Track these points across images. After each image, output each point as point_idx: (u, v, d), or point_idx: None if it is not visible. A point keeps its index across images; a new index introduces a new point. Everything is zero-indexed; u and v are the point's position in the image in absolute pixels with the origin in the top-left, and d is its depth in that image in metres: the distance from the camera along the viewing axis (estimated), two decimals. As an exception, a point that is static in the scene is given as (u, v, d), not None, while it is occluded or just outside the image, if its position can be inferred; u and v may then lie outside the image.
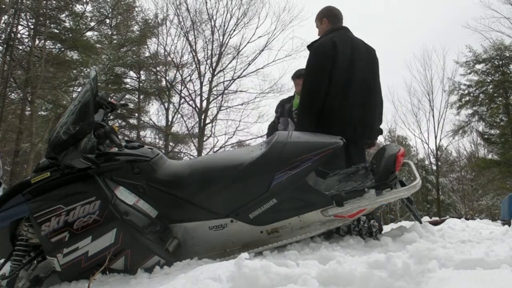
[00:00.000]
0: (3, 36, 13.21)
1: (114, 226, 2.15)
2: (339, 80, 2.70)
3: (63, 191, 2.20)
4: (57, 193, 2.20)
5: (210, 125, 18.80)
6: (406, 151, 16.50)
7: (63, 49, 14.87)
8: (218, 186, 2.25)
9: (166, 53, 18.91)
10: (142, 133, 19.87)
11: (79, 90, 14.45)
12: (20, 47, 13.95)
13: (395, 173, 2.23)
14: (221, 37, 18.71)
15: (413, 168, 2.50)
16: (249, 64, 18.69)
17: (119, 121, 19.32)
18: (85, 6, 15.51)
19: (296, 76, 4.12)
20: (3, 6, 12.29)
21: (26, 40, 14.08)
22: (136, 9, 18.49)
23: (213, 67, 18.70)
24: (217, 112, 19.00)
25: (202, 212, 2.25)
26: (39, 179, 2.23)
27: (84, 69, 14.96)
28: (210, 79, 18.60)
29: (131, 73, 19.33)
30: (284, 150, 2.22)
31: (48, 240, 2.16)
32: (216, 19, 18.69)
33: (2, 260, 2.36)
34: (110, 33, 17.89)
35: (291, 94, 4.41)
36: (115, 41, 17.45)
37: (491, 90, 20.28)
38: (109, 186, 2.21)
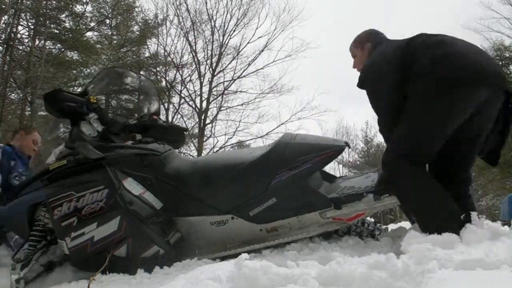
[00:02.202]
0: (3, 36, 13.19)
1: (118, 214, 2.24)
2: None
3: (76, 179, 2.32)
4: (70, 180, 2.32)
5: (210, 125, 18.80)
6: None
7: (63, 49, 14.84)
8: (220, 183, 2.32)
9: (166, 53, 18.89)
10: (142, 133, 19.83)
11: (79, 90, 14.42)
12: (20, 47, 13.92)
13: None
14: (221, 38, 18.71)
15: None
16: (249, 65, 18.67)
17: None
18: (85, 6, 15.47)
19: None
20: (3, 6, 12.28)
21: (26, 40, 14.06)
22: (136, 9, 18.43)
23: (213, 68, 18.69)
24: (217, 113, 18.99)
25: (205, 208, 2.32)
26: (56, 166, 2.36)
27: (84, 69, 14.96)
28: (210, 79, 18.60)
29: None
30: (285, 151, 2.27)
31: (59, 224, 2.28)
32: (216, 19, 18.69)
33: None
34: (110, 33, 17.85)
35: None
36: (115, 42, 17.42)
37: (491, 91, 20.26)
38: (117, 177, 2.32)
